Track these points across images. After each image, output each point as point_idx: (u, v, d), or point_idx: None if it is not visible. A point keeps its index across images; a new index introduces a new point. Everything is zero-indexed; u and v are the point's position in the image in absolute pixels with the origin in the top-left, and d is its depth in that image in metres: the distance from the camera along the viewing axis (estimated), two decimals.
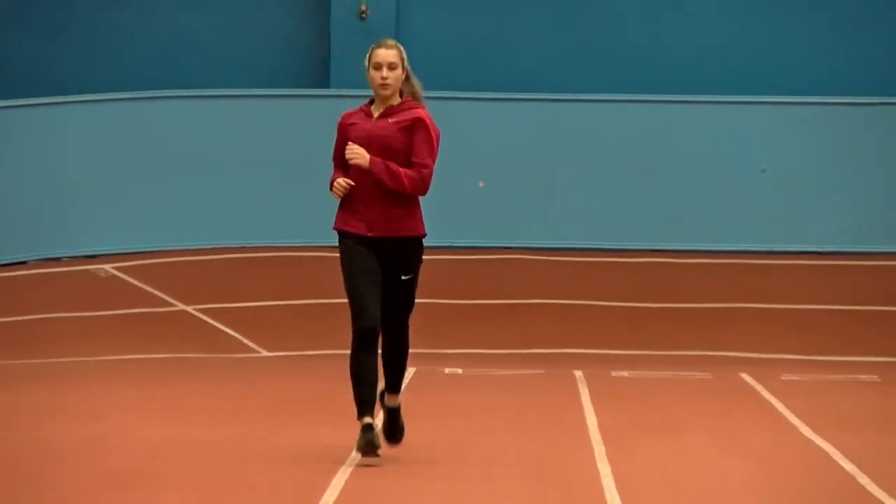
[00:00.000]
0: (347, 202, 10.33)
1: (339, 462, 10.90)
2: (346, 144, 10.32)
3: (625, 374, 17.48)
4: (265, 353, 18.75)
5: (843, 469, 11.49)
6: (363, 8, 22.20)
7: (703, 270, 21.24)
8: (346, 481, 10.16)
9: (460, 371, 17.65)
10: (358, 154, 10.12)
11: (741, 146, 21.47)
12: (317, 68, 22.30)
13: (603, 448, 12.35)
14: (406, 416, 14.02)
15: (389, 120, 10.26)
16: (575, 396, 15.54)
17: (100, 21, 22.39)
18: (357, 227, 10.25)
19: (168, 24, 22.31)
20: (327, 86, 22.02)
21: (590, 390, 15.90)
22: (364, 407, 10.32)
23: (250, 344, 19.15)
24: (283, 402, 15.28)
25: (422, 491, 10.64)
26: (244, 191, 20.96)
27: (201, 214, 21.17)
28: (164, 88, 21.62)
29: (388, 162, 10.17)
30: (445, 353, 18.45)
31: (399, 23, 22.05)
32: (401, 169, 10.20)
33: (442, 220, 19.68)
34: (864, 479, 10.92)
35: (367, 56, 10.26)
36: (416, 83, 10.71)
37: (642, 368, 17.86)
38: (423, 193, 10.35)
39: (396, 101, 10.35)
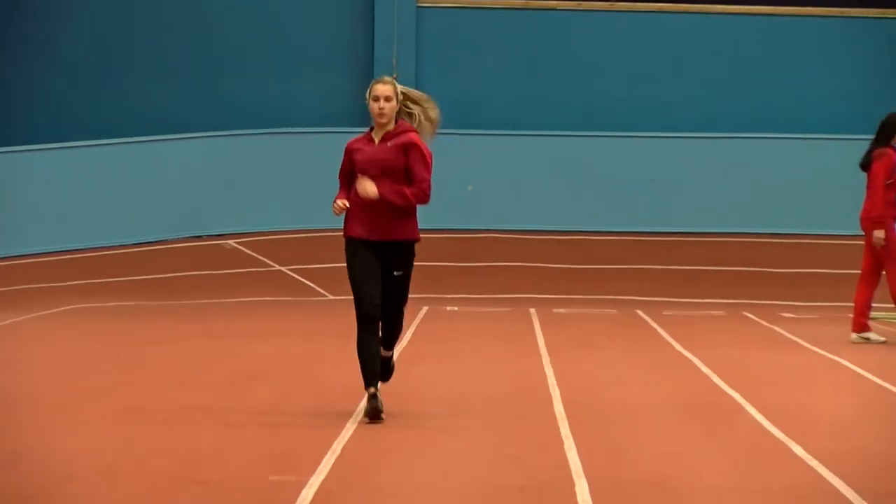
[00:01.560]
0: (354, 212, 8.39)
1: None
2: (351, 165, 8.53)
3: (562, 310, 17.40)
4: (330, 297, 18.72)
5: (700, 371, 11.63)
6: (395, 74, 22.07)
7: (612, 244, 21.09)
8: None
9: (457, 308, 17.60)
10: (366, 191, 8.22)
11: (637, 163, 21.39)
12: (365, 113, 22.10)
13: (548, 357, 12.48)
14: (421, 339, 14.14)
15: (388, 144, 8.38)
16: (529, 324, 15.58)
17: (224, 82, 22.17)
18: (361, 232, 8.30)
19: (259, 85, 21.93)
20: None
21: (539, 320, 15.90)
22: (370, 379, 8.33)
23: (321, 290, 19.10)
24: (341, 328, 15.38)
25: (430, 376, 10.99)
26: (314, 192, 20.73)
27: (288, 207, 20.93)
28: (254, 128, 21.38)
29: (393, 186, 8.32)
30: (447, 297, 18.40)
31: (417, 82, 21.99)
32: (405, 188, 8.37)
33: (445, 210, 19.82)
34: (715, 378, 11.09)
35: (368, 90, 8.53)
36: (426, 114, 8.76)
37: (573, 307, 17.75)
38: (426, 202, 8.49)
39: (392, 126, 8.43)
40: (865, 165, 14.02)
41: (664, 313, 17.15)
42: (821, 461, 7.57)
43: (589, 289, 19.32)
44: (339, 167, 8.70)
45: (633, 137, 21.72)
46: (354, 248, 8.36)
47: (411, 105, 8.72)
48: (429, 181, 8.42)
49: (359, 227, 8.35)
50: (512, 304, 18.04)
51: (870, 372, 11.55)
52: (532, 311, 17.01)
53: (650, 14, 22.73)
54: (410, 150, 8.39)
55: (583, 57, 22.53)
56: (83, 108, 21.79)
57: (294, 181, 21.18)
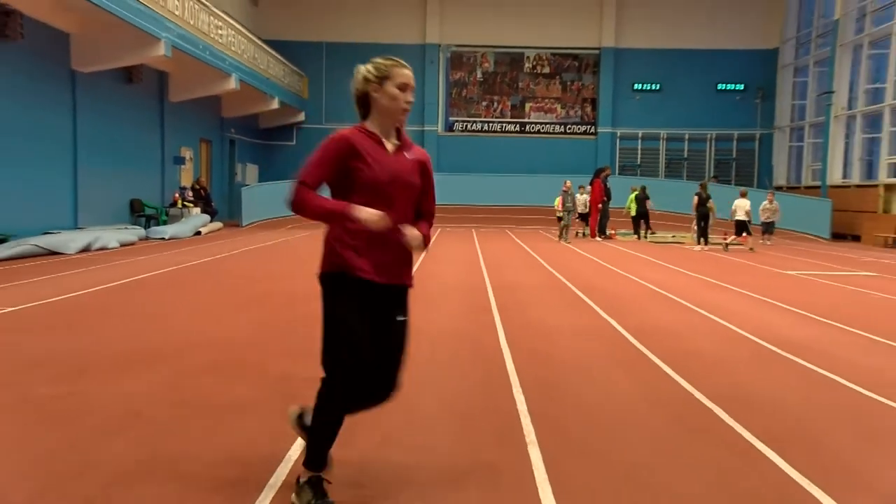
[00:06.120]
0: (358, 244, 1.65)
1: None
2: (351, 168, 1.65)
3: (483, 229, 16.72)
4: None
5: (529, 252, 11.00)
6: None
7: (500, 209, 19.84)
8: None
9: (450, 228, 16.76)
10: (417, 242, 1.68)
11: (508, 186, 20.12)
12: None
13: (478, 244, 12.14)
14: (439, 239, 13.47)
15: (406, 155, 1.68)
16: (471, 235, 14.87)
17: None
18: (367, 271, 1.64)
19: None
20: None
21: (476, 235, 15.13)
22: (324, 460, 1.72)
23: None
24: None
25: (441, 250, 10.37)
26: None
27: None
28: None
29: (413, 218, 1.81)
30: (448, 226, 17.43)
31: (439, 154, 21.14)
32: (426, 227, 1.81)
33: (451, 194, 18.47)
34: (533, 254, 10.60)
35: (380, 72, 1.47)
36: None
37: (487, 229, 16.99)
38: None
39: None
40: (591, 185, 14.25)
41: (516, 230, 16.54)
42: (578, 288, 7.02)
43: (491, 223, 18.49)
44: (319, 162, 1.78)
45: (505, 176, 20.39)
46: (351, 286, 1.84)
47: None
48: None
49: (365, 264, 1.83)
50: (466, 228, 17.19)
51: (587, 253, 11.15)
52: (473, 232, 16.23)
53: (516, 138, 21.46)
54: (427, 172, 1.93)
55: (499, 150, 21.36)
56: (288, 159, 20.05)
57: None
